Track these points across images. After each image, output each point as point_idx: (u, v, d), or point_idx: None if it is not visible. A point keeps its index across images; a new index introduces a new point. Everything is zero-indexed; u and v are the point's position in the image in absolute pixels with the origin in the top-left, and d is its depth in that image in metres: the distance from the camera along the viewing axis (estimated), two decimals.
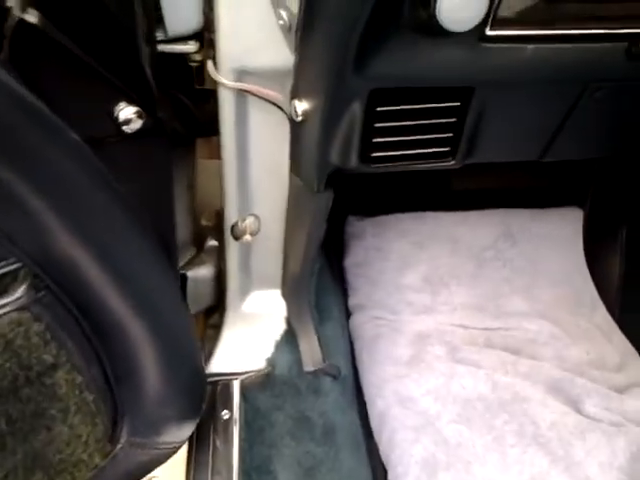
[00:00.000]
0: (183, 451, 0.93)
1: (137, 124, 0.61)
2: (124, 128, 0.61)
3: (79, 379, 0.65)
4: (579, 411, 1.10)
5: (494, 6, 0.63)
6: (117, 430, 0.74)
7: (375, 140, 0.75)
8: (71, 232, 0.59)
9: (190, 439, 0.94)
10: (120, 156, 0.64)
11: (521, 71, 0.70)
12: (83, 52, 0.54)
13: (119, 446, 0.75)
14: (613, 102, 0.77)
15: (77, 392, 0.65)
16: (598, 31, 0.66)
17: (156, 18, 0.70)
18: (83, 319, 0.66)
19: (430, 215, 1.39)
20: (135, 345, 0.71)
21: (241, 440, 0.93)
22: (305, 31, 0.66)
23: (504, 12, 0.65)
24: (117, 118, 0.60)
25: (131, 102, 0.60)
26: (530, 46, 0.67)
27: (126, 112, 0.60)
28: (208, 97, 0.85)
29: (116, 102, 0.60)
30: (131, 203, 0.64)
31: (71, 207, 0.58)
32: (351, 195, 1.33)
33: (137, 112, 0.60)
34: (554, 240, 1.41)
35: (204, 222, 1.04)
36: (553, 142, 0.81)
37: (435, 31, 0.59)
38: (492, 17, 0.64)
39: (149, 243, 0.68)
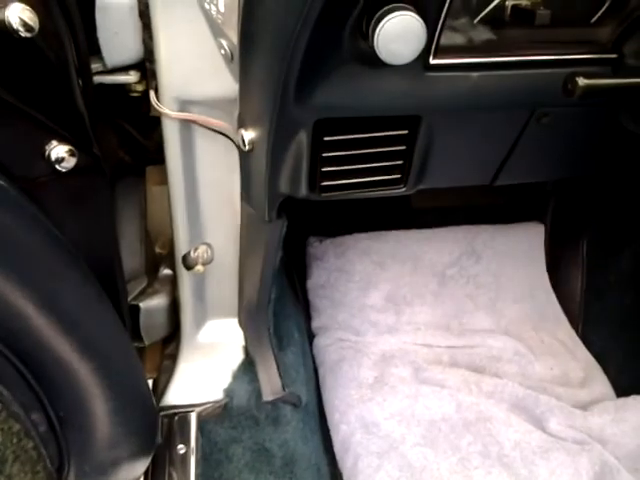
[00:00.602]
0: None
1: (70, 162, 0.58)
2: (57, 167, 0.59)
3: (16, 427, 0.63)
4: (543, 429, 1.10)
5: (436, 35, 0.62)
6: (62, 475, 0.72)
7: (324, 169, 0.73)
8: (4, 278, 0.57)
9: (145, 475, 0.91)
10: (56, 195, 0.62)
11: (467, 98, 0.69)
12: (5, 91, 0.52)
13: None
14: (560, 127, 0.77)
15: (15, 440, 0.63)
16: (539, 57, 0.66)
17: (93, 49, 0.68)
18: (23, 365, 0.64)
19: (392, 234, 1.38)
20: (81, 387, 0.69)
21: (198, 475, 0.90)
22: (245, 62, 0.65)
23: (447, 40, 0.65)
24: (49, 157, 0.58)
25: (62, 140, 0.58)
26: (474, 73, 0.67)
27: (57, 151, 0.57)
28: (156, 125, 0.84)
29: (47, 141, 0.57)
30: (67, 243, 0.62)
31: (2, 253, 0.56)
32: (311, 216, 1.31)
33: (69, 150, 0.58)
34: (517, 256, 1.41)
35: (158, 249, 1.01)
36: (503, 167, 0.81)
37: (376, 61, 0.59)
38: (435, 46, 0.64)
39: (89, 283, 0.66)
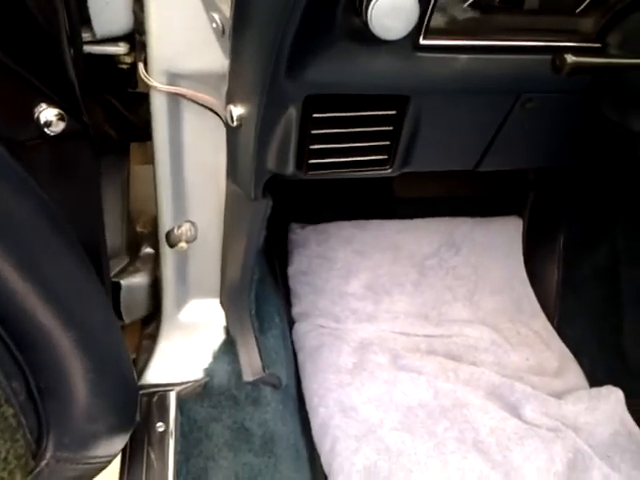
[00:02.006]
0: (116, 465, 0.90)
1: (59, 126, 0.58)
2: (46, 130, 0.58)
3: None
4: (518, 416, 1.12)
5: (427, 16, 0.63)
6: (42, 446, 0.71)
7: (312, 147, 0.74)
8: None
9: (123, 452, 0.91)
10: (43, 159, 0.62)
11: (455, 80, 0.70)
12: None
13: (44, 462, 0.72)
14: (544, 114, 0.79)
15: None
16: (526, 43, 0.68)
17: (83, 18, 0.68)
18: (5, 331, 0.63)
19: (373, 223, 1.39)
20: (62, 357, 0.68)
21: (177, 453, 0.90)
22: (237, 35, 0.65)
23: (437, 22, 0.66)
24: (38, 119, 0.58)
25: (52, 104, 0.57)
26: (463, 56, 0.68)
27: (47, 114, 0.57)
28: (142, 101, 0.83)
29: (36, 104, 0.57)
30: (55, 209, 0.61)
31: None
32: (294, 202, 1.32)
33: (58, 114, 0.58)
34: (495, 248, 1.43)
35: (139, 229, 1.01)
36: (487, 152, 0.82)
37: (368, 39, 0.59)
38: (425, 27, 0.65)
39: (75, 252, 0.65)
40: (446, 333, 1.29)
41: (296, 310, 1.28)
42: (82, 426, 0.73)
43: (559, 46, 0.69)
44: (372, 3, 0.56)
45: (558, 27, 0.71)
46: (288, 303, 1.29)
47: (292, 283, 1.32)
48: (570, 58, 0.57)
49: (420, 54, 0.66)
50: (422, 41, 0.66)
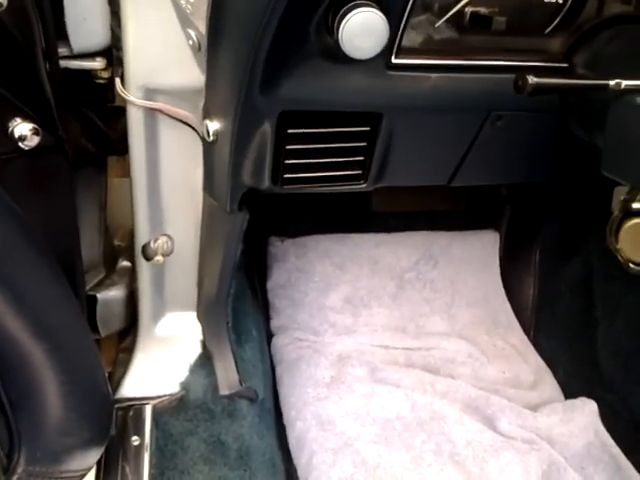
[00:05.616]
0: (90, 479, 0.89)
1: (33, 141, 0.59)
2: (20, 145, 0.59)
3: None
4: (494, 429, 1.13)
5: (398, 35, 0.65)
6: (13, 460, 0.70)
7: (286, 161, 0.75)
8: None
9: (98, 466, 0.90)
10: (18, 172, 0.62)
11: (426, 98, 0.72)
12: None
13: (15, 477, 0.71)
14: (514, 131, 0.81)
15: None
16: (495, 62, 0.70)
17: (61, 33, 0.68)
18: None
19: (352, 237, 1.40)
20: (34, 369, 0.68)
21: (152, 466, 0.90)
22: (212, 52, 0.67)
23: (408, 42, 0.67)
24: (12, 134, 0.58)
25: (27, 118, 0.58)
26: (434, 75, 0.70)
27: (21, 128, 0.58)
28: (120, 115, 0.84)
29: (11, 118, 0.58)
30: (27, 221, 0.62)
31: None
32: (272, 216, 1.33)
33: (33, 129, 0.58)
34: (472, 262, 1.44)
35: (117, 242, 1.01)
36: (460, 168, 0.84)
37: (341, 57, 0.61)
38: (397, 46, 0.66)
39: (48, 263, 0.66)
40: (424, 346, 1.30)
41: (274, 323, 1.29)
42: (55, 440, 0.73)
43: (527, 65, 0.71)
44: (343, 23, 0.58)
45: (527, 47, 0.73)
46: (267, 316, 1.30)
47: (271, 296, 1.32)
48: (532, 79, 0.59)
49: (392, 72, 0.68)
50: (394, 60, 0.67)
